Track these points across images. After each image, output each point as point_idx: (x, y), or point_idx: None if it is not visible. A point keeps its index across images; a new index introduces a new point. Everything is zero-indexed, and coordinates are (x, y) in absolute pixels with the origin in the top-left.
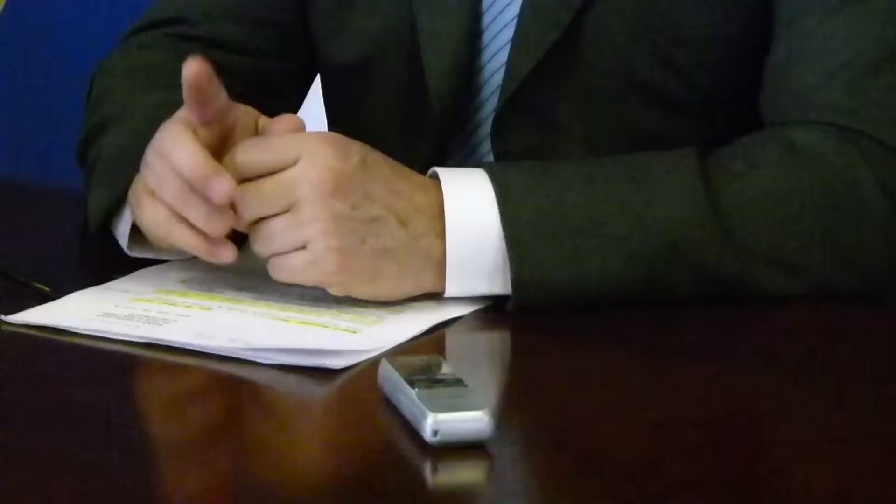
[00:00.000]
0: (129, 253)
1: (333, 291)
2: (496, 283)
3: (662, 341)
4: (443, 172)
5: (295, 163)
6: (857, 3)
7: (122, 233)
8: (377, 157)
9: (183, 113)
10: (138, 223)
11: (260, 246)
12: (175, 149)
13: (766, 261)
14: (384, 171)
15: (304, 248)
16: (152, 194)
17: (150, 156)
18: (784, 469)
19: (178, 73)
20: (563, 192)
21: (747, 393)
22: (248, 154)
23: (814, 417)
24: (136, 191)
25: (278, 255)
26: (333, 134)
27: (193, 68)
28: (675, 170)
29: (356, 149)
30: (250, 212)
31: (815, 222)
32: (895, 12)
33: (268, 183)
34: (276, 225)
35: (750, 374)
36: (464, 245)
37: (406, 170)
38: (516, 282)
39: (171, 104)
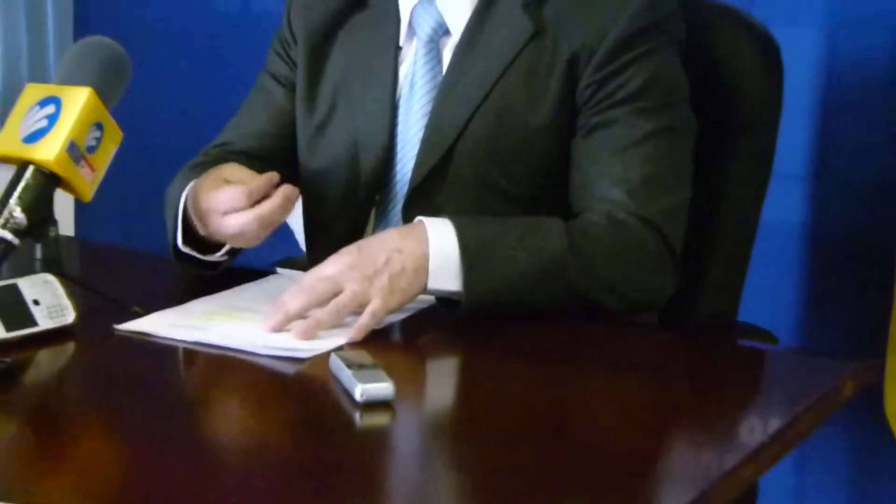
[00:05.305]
0: (181, 248)
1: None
2: (454, 283)
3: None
4: (427, 221)
5: (334, 287)
6: (634, 147)
7: (178, 241)
8: (370, 240)
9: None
10: (227, 241)
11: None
12: (223, 201)
13: (601, 285)
14: (377, 240)
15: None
16: (223, 214)
17: (203, 214)
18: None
19: (215, 166)
20: (492, 232)
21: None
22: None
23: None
24: (211, 232)
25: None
26: (339, 254)
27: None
28: (551, 226)
29: (353, 247)
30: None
31: (625, 264)
32: (656, 154)
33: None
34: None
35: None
36: (438, 258)
37: (400, 230)
38: (465, 280)
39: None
